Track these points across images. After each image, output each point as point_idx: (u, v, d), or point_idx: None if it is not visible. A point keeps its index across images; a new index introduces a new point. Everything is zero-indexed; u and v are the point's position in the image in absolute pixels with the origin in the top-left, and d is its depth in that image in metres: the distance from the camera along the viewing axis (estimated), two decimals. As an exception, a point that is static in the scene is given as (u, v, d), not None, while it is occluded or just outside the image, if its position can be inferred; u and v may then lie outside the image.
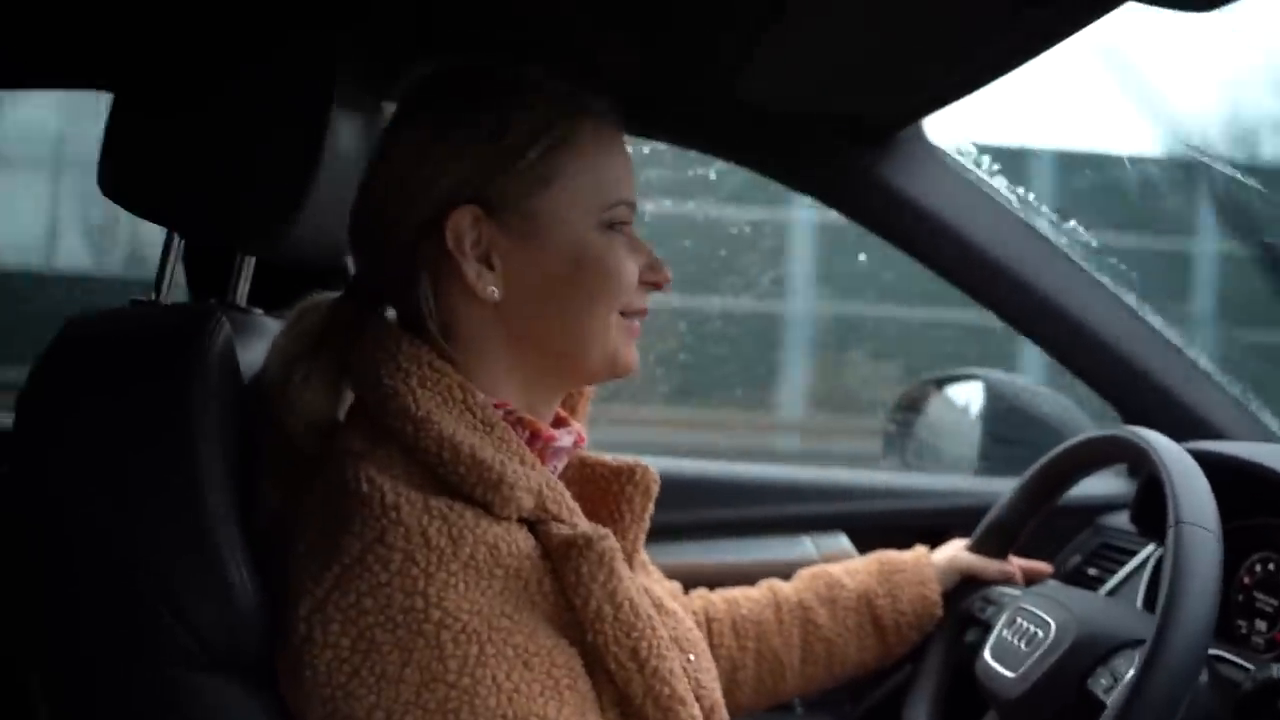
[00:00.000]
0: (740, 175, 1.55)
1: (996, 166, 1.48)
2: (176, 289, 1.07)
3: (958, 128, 1.42)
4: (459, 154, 0.85)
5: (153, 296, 1.03)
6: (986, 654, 1.15)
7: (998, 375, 1.70)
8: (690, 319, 3.54)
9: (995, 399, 1.66)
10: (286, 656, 0.78)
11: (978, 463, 1.65)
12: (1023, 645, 1.10)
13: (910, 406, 1.79)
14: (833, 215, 1.49)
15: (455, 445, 0.80)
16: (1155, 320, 1.48)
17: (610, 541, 0.82)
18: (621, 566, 0.83)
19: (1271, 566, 1.13)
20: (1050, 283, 1.44)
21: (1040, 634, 1.09)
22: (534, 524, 0.83)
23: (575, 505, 0.86)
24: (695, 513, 1.49)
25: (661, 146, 1.58)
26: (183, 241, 1.03)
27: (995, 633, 1.16)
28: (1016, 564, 1.28)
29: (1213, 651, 1.01)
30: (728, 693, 0.98)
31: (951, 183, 1.43)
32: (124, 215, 0.94)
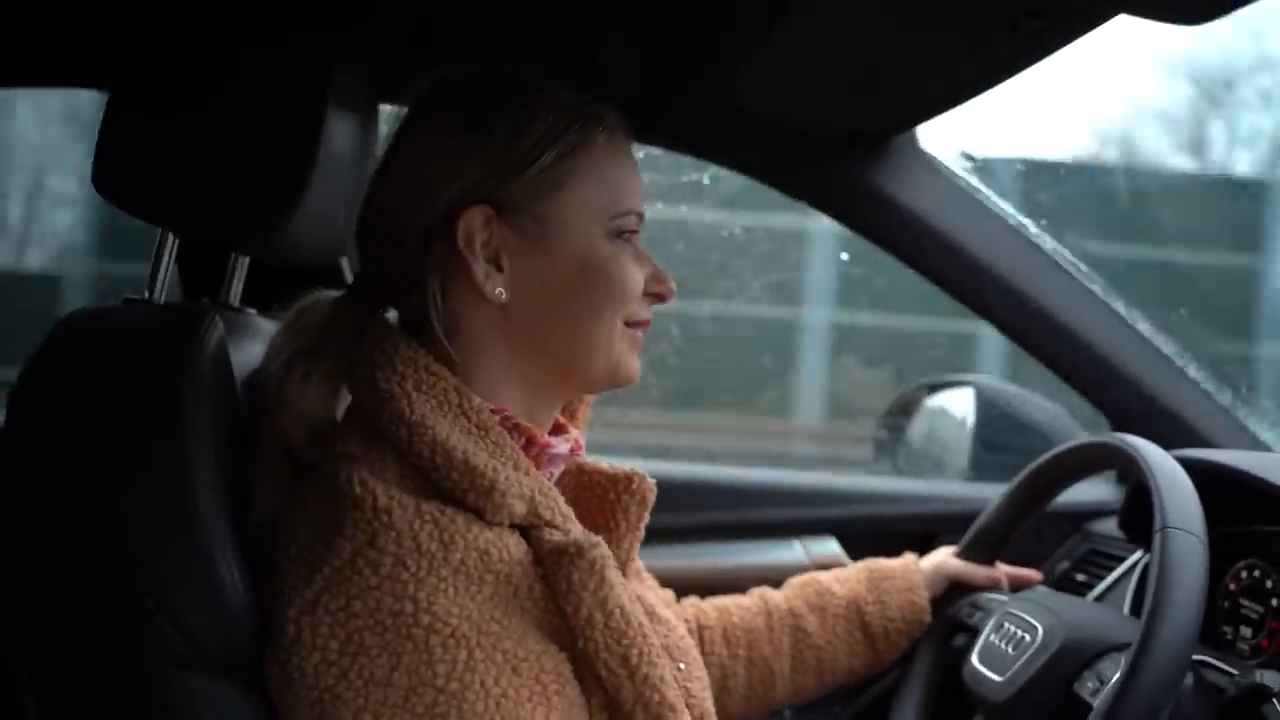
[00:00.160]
0: (735, 181, 1.55)
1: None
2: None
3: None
4: (473, 156, 0.86)
5: (146, 295, 1.03)
6: (974, 658, 1.15)
7: (988, 381, 1.71)
8: (682, 323, 3.54)
9: (986, 405, 1.67)
10: (275, 657, 0.79)
11: (968, 468, 1.66)
12: (1010, 649, 1.11)
13: (901, 412, 1.80)
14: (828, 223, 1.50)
15: (448, 450, 0.81)
16: (1145, 328, 1.49)
17: (602, 549, 0.83)
18: (613, 574, 0.83)
19: (1257, 573, 1.14)
20: (1042, 290, 1.45)
21: (1027, 638, 1.09)
22: (526, 530, 0.84)
23: (569, 511, 0.86)
24: (686, 516, 1.50)
25: (656, 151, 1.59)
26: (177, 241, 1.02)
27: (983, 637, 1.16)
28: (1004, 571, 1.29)
29: (1198, 657, 1.02)
30: (719, 701, 0.98)
31: (945, 190, 1.44)
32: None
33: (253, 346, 0.97)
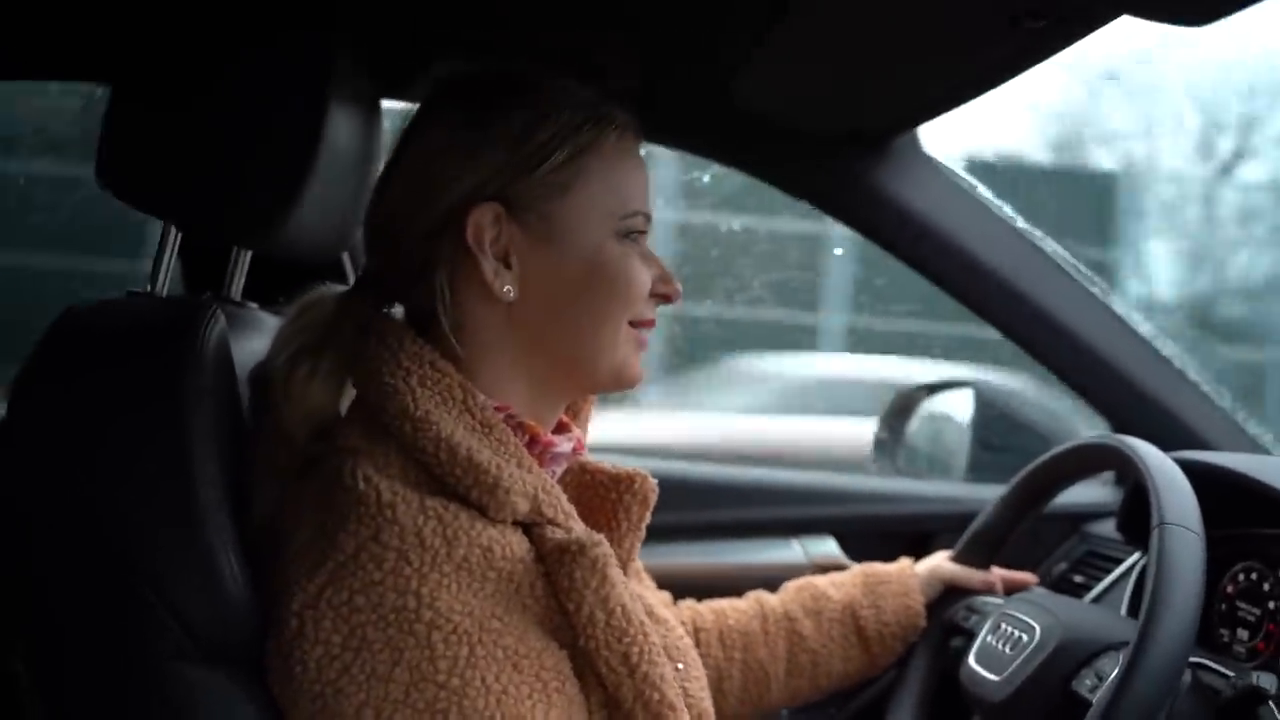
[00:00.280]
0: (735, 179, 1.55)
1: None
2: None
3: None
4: (484, 153, 0.86)
5: (149, 288, 1.04)
6: (971, 659, 1.15)
7: (988, 382, 1.71)
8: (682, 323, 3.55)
9: (985, 406, 1.67)
10: (277, 651, 0.79)
11: (966, 469, 1.66)
12: (1007, 649, 1.11)
13: (900, 412, 1.80)
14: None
15: (452, 446, 0.81)
16: (1145, 330, 1.49)
17: (604, 547, 0.83)
18: (615, 572, 0.83)
19: (1254, 576, 1.14)
20: (1042, 291, 1.45)
21: (1025, 638, 1.10)
22: (529, 527, 0.84)
23: (571, 509, 0.87)
24: (684, 514, 1.50)
25: (657, 149, 1.59)
26: (179, 235, 1.03)
27: (980, 638, 1.16)
28: (999, 574, 1.29)
29: (1195, 659, 1.02)
30: (713, 703, 0.99)
31: (946, 190, 1.44)
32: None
33: (255, 340, 0.97)
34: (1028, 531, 1.31)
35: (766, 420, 3.56)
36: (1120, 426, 1.47)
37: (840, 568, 1.35)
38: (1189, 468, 1.06)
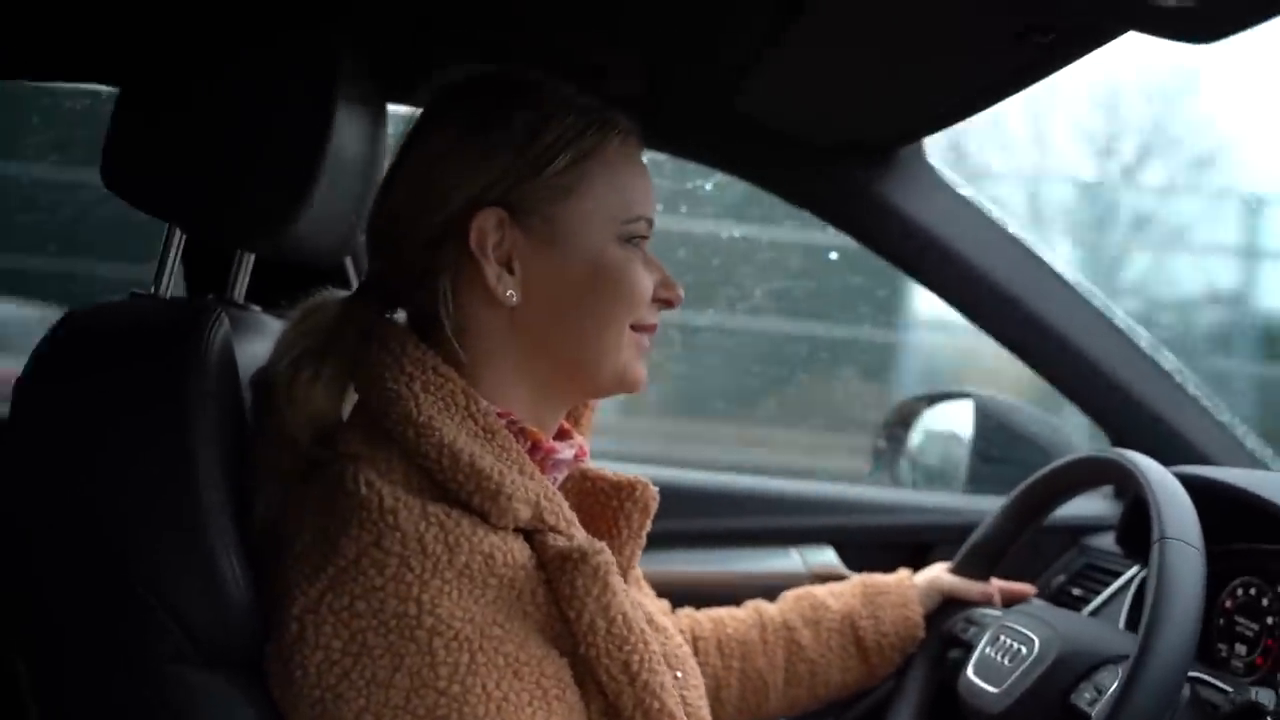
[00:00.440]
0: (738, 188, 1.56)
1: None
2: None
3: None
4: (487, 157, 0.86)
5: (152, 290, 1.04)
6: (969, 671, 1.15)
7: (987, 394, 1.71)
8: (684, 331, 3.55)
9: (984, 417, 1.67)
10: (277, 655, 0.79)
11: (966, 480, 1.66)
12: (1006, 661, 1.11)
13: (900, 423, 1.80)
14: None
15: (455, 452, 0.81)
16: (1146, 344, 1.49)
17: (606, 555, 0.83)
18: (616, 580, 0.83)
19: (1253, 591, 1.14)
20: (1045, 305, 1.46)
21: (1024, 650, 1.10)
22: (530, 534, 0.84)
23: (573, 517, 0.87)
24: (684, 522, 1.50)
25: (661, 157, 1.59)
26: (184, 237, 1.03)
27: (978, 650, 1.16)
28: (998, 586, 1.29)
29: (1194, 674, 1.02)
30: (711, 712, 0.99)
31: (949, 202, 1.44)
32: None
33: (257, 343, 0.97)
34: (1027, 544, 1.31)
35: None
36: (1120, 440, 1.47)
37: (839, 578, 1.35)
38: (1189, 482, 1.07)
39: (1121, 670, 0.95)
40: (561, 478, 0.93)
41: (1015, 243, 1.46)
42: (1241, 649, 1.12)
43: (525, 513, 0.82)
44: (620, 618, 0.82)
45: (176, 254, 1.02)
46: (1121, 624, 1.24)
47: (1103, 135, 5.42)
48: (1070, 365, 1.48)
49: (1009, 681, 1.08)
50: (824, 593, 1.25)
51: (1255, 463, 1.48)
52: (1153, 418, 1.47)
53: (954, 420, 1.74)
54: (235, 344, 0.89)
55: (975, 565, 1.29)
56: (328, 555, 0.78)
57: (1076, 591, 1.41)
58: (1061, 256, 1.48)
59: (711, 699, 1.16)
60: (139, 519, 0.79)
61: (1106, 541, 1.42)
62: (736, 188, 1.55)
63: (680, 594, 1.24)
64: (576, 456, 0.93)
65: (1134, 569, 1.31)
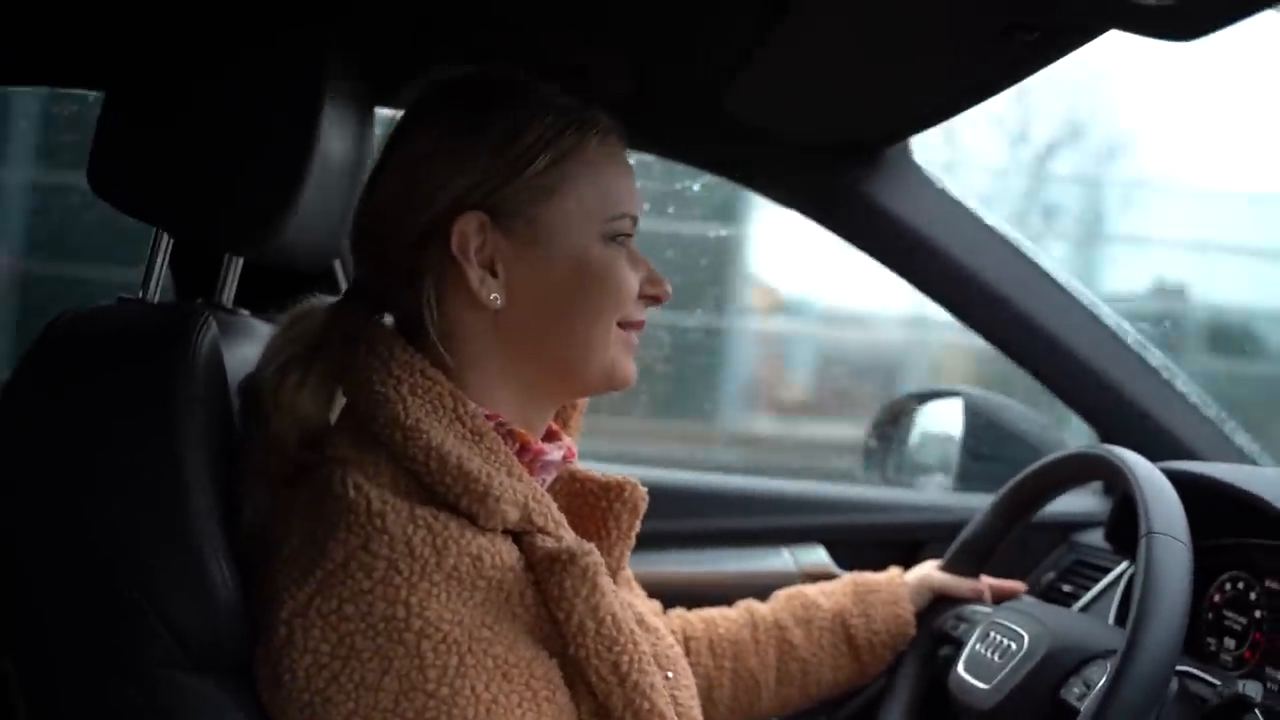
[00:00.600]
0: (725, 190, 1.56)
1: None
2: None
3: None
4: (467, 160, 0.86)
5: (140, 295, 1.04)
6: (960, 667, 1.16)
7: (977, 392, 1.72)
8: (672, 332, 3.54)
9: (974, 415, 1.67)
10: (266, 659, 0.79)
11: (956, 478, 1.66)
12: (996, 657, 1.11)
13: (890, 421, 1.81)
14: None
15: (443, 455, 0.81)
16: (1133, 340, 1.50)
17: (594, 556, 0.83)
18: (605, 581, 0.83)
19: (1241, 585, 1.15)
20: (1032, 302, 1.46)
21: (1013, 646, 1.10)
22: (519, 536, 0.84)
23: (561, 518, 0.87)
24: (675, 523, 1.50)
25: (648, 159, 1.59)
26: (171, 241, 1.03)
27: (969, 647, 1.17)
28: (988, 583, 1.30)
29: (1182, 668, 1.03)
30: (704, 712, 0.99)
31: (937, 201, 1.45)
32: None
33: (246, 347, 0.97)
34: (1017, 541, 1.31)
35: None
36: (1108, 436, 1.48)
37: (830, 576, 1.35)
38: (1177, 478, 1.07)
39: (1110, 665, 0.95)
40: (550, 479, 0.93)
41: (1003, 241, 1.47)
42: (1230, 643, 1.13)
43: (513, 514, 0.82)
44: (609, 618, 0.82)
45: (164, 258, 1.02)
46: (1111, 619, 1.24)
47: (1016, 121, 5.45)
48: (1059, 363, 1.48)
49: (999, 677, 1.09)
50: (815, 592, 1.26)
51: (1243, 458, 1.49)
52: (1141, 414, 1.48)
53: (944, 418, 1.74)
54: (224, 348, 0.89)
55: (965, 562, 1.30)
56: (316, 559, 0.78)
57: (1066, 588, 1.42)
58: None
59: (704, 699, 1.16)
60: (127, 523, 0.79)
61: (1096, 538, 1.43)
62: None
63: (672, 594, 1.24)
64: (565, 458, 0.93)
65: (1123, 565, 1.32)
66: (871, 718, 1.28)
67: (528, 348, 0.89)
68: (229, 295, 1.12)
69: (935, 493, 1.67)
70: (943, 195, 1.45)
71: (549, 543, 0.83)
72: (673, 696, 0.91)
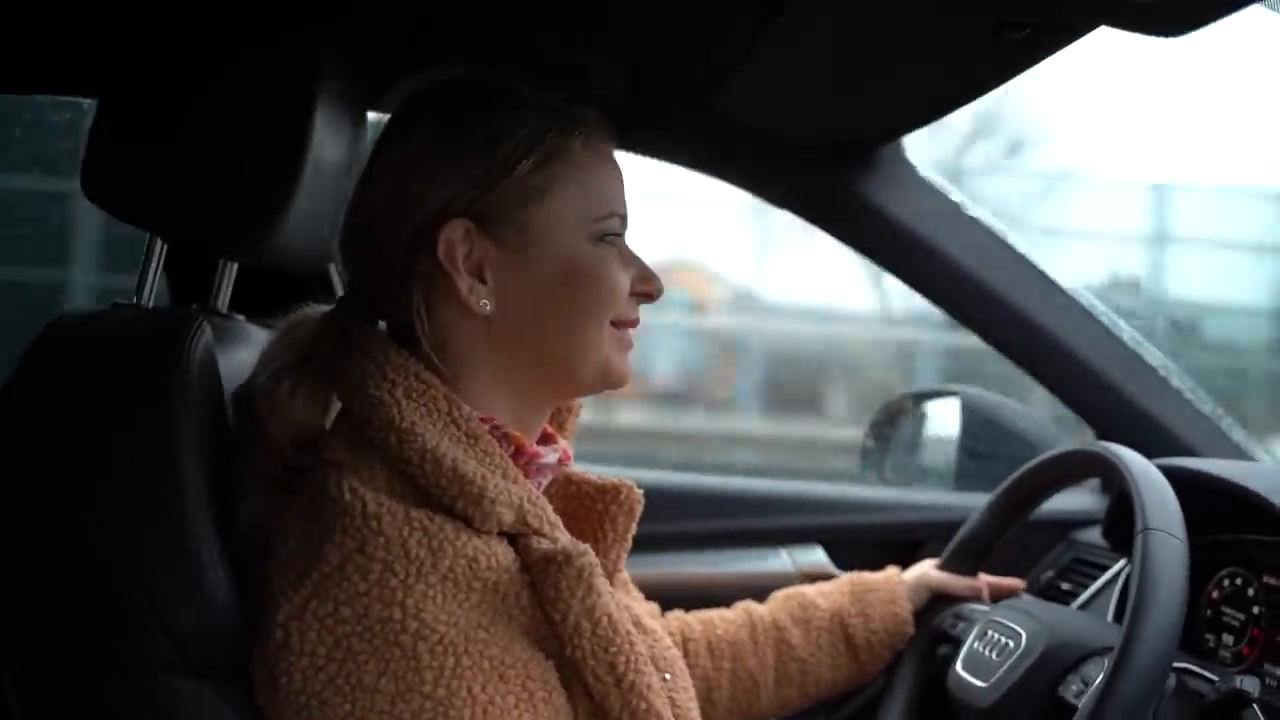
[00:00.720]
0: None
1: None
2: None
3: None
4: (451, 167, 0.86)
5: (135, 300, 1.04)
6: (958, 665, 1.16)
7: (974, 391, 1.72)
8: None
9: (971, 414, 1.68)
10: (262, 662, 0.79)
11: (954, 477, 1.66)
12: (994, 655, 1.11)
13: (888, 421, 1.81)
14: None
15: (438, 458, 0.81)
16: (1129, 338, 1.50)
17: (590, 557, 0.83)
18: (600, 582, 0.83)
19: (1239, 581, 1.15)
20: (1027, 300, 1.46)
21: (1011, 644, 1.10)
22: (514, 538, 0.84)
23: (557, 520, 0.87)
24: (672, 524, 1.50)
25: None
26: (165, 246, 1.03)
27: (967, 645, 1.17)
28: (987, 581, 1.30)
29: (1180, 664, 1.03)
30: (703, 713, 0.99)
31: (930, 200, 1.45)
32: None
33: (241, 352, 0.97)
34: (1015, 539, 1.31)
35: None
36: (1105, 434, 1.48)
37: (828, 576, 1.35)
38: (1173, 474, 1.07)
39: (1107, 662, 0.95)
40: (546, 482, 0.93)
41: (997, 240, 1.47)
42: (1229, 639, 1.13)
43: (509, 516, 0.82)
44: (605, 619, 0.82)
45: (159, 263, 1.02)
46: (1109, 617, 1.24)
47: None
48: (1055, 361, 1.48)
49: (997, 675, 1.09)
50: (813, 592, 1.26)
51: (1240, 454, 1.49)
52: (1137, 411, 1.48)
53: (941, 417, 1.74)
54: (219, 353, 0.89)
55: (963, 561, 1.30)
56: (312, 562, 0.78)
57: (1065, 586, 1.42)
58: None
59: (703, 700, 1.16)
60: (123, 528, 0.79)
61: (1094, 535, 1.43)
62: None
63: (670, 596, 1.24)
64: (561, 460, 0.93)
65: (1121, 562, 1.32)
66: (870, 717, 1.28)
67: (521, 352, 0.89)
68: (224, 300, 1.12)
69: (933, 492, 1.68)
70: (937, 194, 1.45)
71: (544, 544, 0.83)
72: (670, 698, 0.91)
